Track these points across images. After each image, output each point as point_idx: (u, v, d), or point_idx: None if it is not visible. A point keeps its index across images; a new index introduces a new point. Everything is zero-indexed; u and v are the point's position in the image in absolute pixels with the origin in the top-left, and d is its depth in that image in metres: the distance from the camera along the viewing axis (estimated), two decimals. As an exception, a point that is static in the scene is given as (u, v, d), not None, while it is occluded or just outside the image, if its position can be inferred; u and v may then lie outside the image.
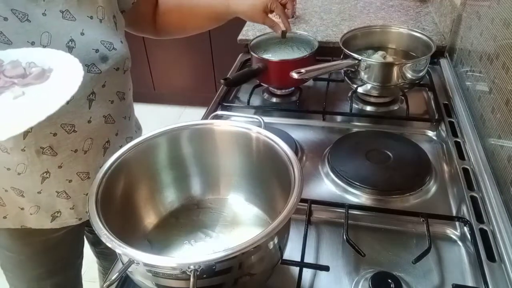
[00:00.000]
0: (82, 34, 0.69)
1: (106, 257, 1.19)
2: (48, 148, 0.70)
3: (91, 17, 0.71)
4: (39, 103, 0.53)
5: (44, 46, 0.66)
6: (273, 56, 1.09)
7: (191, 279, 0.45)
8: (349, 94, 1.06)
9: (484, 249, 0.65)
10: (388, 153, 0.85)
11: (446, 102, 1.04)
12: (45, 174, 0.73)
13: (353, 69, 0.99)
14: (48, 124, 0.67)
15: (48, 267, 0.91)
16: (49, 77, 0.58)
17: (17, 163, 0.70)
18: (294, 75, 0.77)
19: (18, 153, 0.69)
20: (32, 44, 0.65)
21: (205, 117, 0.99)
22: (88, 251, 1.15)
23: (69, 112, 0.69)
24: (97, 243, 1.14)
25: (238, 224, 0.69)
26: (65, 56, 0.62)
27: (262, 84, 1.11)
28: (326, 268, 0.62)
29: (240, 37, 1.35)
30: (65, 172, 0.74)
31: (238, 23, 1.44)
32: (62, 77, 0.58)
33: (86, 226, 0.99)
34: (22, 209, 0.77)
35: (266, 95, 1.13)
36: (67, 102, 0.53)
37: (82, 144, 0.73)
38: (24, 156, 0.69)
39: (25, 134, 0.67)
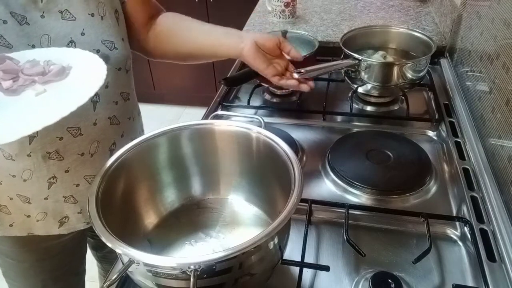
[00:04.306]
0: (83, 34, 0.68)
1: (108, 260, 1.18)
2: (55, 152, 0.69)
3: (92, 15, 0.69)
4: (64, 99, 0.53)
5: None
6: (273, 56, 1.09)
7: (191, 279, 0.45)
8: (349, 94, 1.06)
9: (485, 249, 0.65)
10: (388, 153, 0.85)
11: (447, 102, 1.04)
12: (51, 179, 0.72)
13: (353, 69, 0.99)
14: (54, 128, 0.65)
15: (51, 273, 0.90)
16: (69, 74, 0.59)
17: (23, 170, 0.69)
18: (295, 75, 0.77)
19: (23, 159, 0.68)
20: (33, 47, 0.64)
21: (205, 117, 0.99)
22: (88, 252, 1.15)
23: (74, 115, 0.68)
24: (99, 248, 1.14)
25: (238, 224, 0.69)
26: (83, 53, 0.62)
27: (262, 84, 1.11)
28: (326, 268, 0.62)
29: (240, 37, 1.35)
30: (72, 176, 0.74)
31: (238, 23, 1.44)
32: (83, 73, 0.58)
33: (89, 231, 0.99)
34: (29, 216, 0.76)
35: (266, 95, 1.13)
36: (97, 95, 0.52)
37: (89, 147, 0.73)
38: (30, 161, 0.69)
39: (31, 139, 0.66)
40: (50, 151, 0.69)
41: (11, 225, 0.78)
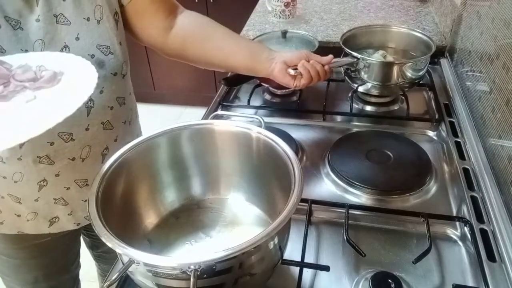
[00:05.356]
0: (77, 39, 0.67)
1: (104, 260, 1.18)
2: (45, 157, 0.69)
3: (88, 19, 0.67)
4: (53, 106, 0.53)
5: None
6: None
7: (192, 279, 0.45)
8: (350, 94, 1.06)
9: (485, 249, 0.65)
10: (389, 153, 0.85)
11: (447, 102, 1.04)
12: (42, 182, 0.72)
13: (353, 68, 0.99)
14: (45, 133, 0.66)
15: (43, 271, 0.90)
16: (60, 80, 0.58)
17: (13, 172, 0.69)
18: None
19: (14, 162, 0.68)
20: (26, 52, 0.63)
21: (205, 117, 0.99)
22: (88, 252, 1.15)
23: (67, 120, 0.68)
24: (94, 247, 1.13)
25: (238, 224, 0.69)
26: (76, 59, 0.61)
27: (262, 84, 1.11)
28: (326, 268, 0.62)
29: (240, 37, 1.35)
30: (63, 180, 0.73)
31: (238, 23, 1.44)
32: (74, 80, 0.58)
33: (83, 230, 0.99)
34: (19, 216, 0.76)
35: (266, 95, 1.13)
36: (91, 101, 0.52)
37: (80, 152, 0.72)
38: (21, 165, 0.68)
39: (22, 143, 0.66)
40: (41, 155, 0.68)
41: (1, 223, 0.78)
